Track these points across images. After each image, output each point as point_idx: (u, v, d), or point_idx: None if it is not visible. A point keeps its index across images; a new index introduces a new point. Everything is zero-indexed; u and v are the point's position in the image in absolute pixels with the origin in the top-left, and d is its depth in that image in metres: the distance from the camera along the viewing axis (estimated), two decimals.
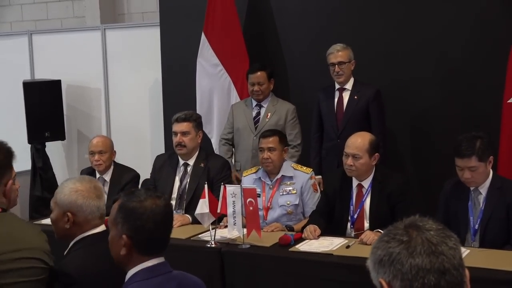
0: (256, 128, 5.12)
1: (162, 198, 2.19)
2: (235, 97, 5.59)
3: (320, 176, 4.74)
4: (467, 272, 1.42)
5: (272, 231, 4.05)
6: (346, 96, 4.88)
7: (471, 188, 3.67)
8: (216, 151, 5.41)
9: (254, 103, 5.22)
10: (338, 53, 4.80)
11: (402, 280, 1.37)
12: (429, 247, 1.37)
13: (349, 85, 4.88)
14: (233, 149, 5.28)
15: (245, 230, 3.74)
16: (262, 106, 5.19)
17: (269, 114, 5.13)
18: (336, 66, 4.79)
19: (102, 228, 2.61)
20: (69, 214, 2.54)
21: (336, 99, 4.90)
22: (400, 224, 1.45)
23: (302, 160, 4.71)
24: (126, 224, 2.13)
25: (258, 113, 5.19)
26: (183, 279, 2.21)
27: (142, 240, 2.11)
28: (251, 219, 3.71)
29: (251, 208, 3.70)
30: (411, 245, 1.38)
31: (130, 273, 2.13)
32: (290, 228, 4.17)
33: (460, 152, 3.54)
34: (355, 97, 4.83)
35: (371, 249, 1.47)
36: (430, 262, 1.36)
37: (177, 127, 4.56)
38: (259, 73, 5.12)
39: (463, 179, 3.61)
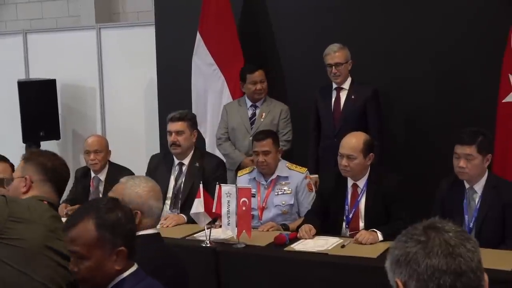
0: (252, 128, 5.12)
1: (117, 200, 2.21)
2: (227, 97, 5.57)
3: (316, 175, 4.75)
4: (485, 276, 1.40)
5: (268, 230, 4.05)
6: (343, 95, 4.88)
7: (466, 187, 3.68)
8: (210, 151, 5.39)
9: (249, 103, 5.21)
10: (335, 54, 4.79)
11: (418, 280, 1.35)
12: (447, 248, 1.35)
13: (346, 85, 4.88)
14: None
15: (237, 229, 3.73)
16: (257, 107, 5.18)
17: (263, 114, 5.13)
18: (333, 67, 4.79)
19: (155, 230, 2.68)
20: (139, 212, 2.57)
21: (333, 99, 4.91)
22: (419, 225, 1.43)
23: (299, 160, 4.70)
24: (117, 237, 2.06)
25: (254, 114, 5.18)
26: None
27: (132, 246, 2.10)
28: (243, 219, 3.70)
29: (243, 208, 3.69)
30: (428, 245, 1.37)
31: (117, 279, 2.07)
32: (285, 227, 4.16)
33: (461, 139, 3.61)
34: (353, 97, 4.84)
35: (389, 249, 1.46)
36: (447, 263, 1.34)
37: (172, 126, 4.56)
38: (258, 71, 5.12)
39: (457, 170, 3.63)
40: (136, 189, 2.65)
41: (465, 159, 3.58)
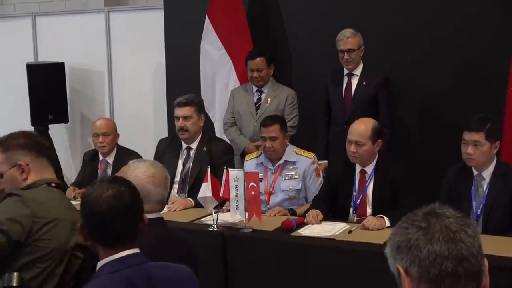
0: (257, 114, 5.11)
1: (114, 189, 2.01)
2: (234, 81, 5.56)
3: (326, 162, 4.73)
4: (486, 261, 1.40)
5: (275, 215, 4.05)
6: (354, 82, 4.86)
7: (475, 174, 3.68)
8: (218, 135, 5.40)
9: (255, 88, 5.20)
10: (347, 40, 4.75)
11: (420, 266, 1.35)
12: (448, 234, 1.35)
13: (358, 71, 4.85)
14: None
15: (247, 214, 3.75)
16: (263, 92, 5.17)
17: (269, 99, 5.12)
18: (346, 53, 4.76)
19: (157, 214, 2.60)
20: None
21: (344, 85, 4.88)
22: (419, 211, 1.43)
23: (308, 146, 4.70)
24: (81, 212, 2.05)
25: (259, 99, 5.17)
26: (158, 271, 2.06)
27: (92, 230, 2.02)
28: (253, 203, 3.71)
29: (252, 192, 3.70)
30: (430, 231, 1.36)
31: (99, 264, 2.02)
32: (293, 212, 4.17)
33: (470, 126, 3.61)
34: (364, 83, 4.81)
35: (390, 235, 1.46)
36: (448, 249, 1.34)
37: (179, 111, 4.56)
38: (258, 59, 5.09)
39: (465, 156, 3.63)
40: (135, 173, 2.61)
41: (473, 146, 3.57)
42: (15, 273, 2.25)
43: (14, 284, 2.24)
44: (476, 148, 3.57)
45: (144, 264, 2.03)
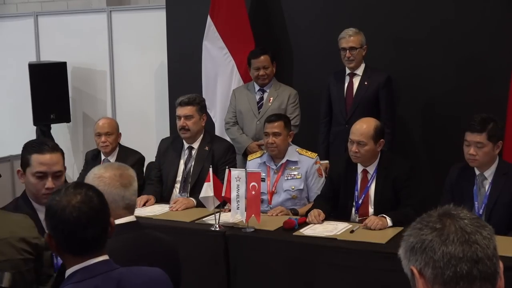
0: (259, 113, 5.11)
1: (82, 194, 1.95)
2: (237, 81, 5.56)
3: (327, 161, 4.73)
4: (501, 263, 1.38)
5: (277, 215, 4.05)
6: (356, 81, 4.85)
7: (477, 173, 3.67)
8: (219, 135, 5.39)
9: (257, 87, 5.19)
10: (350, 38, 4.75)
11: (434, 267, 1.34)
12: (463, 236, 1.34)
13: (359, 71, 4.85)
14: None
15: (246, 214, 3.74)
16: (265, 91, 5.16)
17: (271, 98, 5.11)
18: (347, 51, 4.76)
19: (129, 219, 2.46)
20: None
21: (346, 84, 4.88)
22: (434, 212, 1.42)
23: (309, 145, 4.70)
24: (47, 221, 1.98)
25: (261, 98, 5.17)
26: (128, 277, 2.00)
27: (61, 239, 1.94)
28: (252, 203, 3.70)
29: (253, 192, 3.69)
30: (444, 232, 1.35)
31: (67, 273, 1.96)
32: (295, 211, 4.17)
33: (472, 127, 3.59)
34: (366, 83, 4.81)
35: (403, 236, 1.44)
36: (463, 250, 1.32)
37: (181, 111, 4.56)
38: (262, 57, 5.09)
39: (468, 157, 3.62)
40: (96, 182, 2.42)
41: (476, 147, 3.57)
42: (7, 273, 2.21)
43: (5, 285, 2.19)
44: (479, 149, 3.57)
45: (113, 271, 1.98)
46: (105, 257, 1.98)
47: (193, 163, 4.57)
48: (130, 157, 4.89)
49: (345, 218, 3.96)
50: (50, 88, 6.68)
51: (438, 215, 1.40)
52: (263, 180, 4.12)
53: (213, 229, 3.79)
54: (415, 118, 5.23)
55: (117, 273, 1.98)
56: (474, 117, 3.65)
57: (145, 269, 2.08)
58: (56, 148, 2.90)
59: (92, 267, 1.94)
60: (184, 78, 6.02)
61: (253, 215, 3.68)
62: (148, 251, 2.46)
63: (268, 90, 5.16)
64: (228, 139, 5.12)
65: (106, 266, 1.97)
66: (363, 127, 3.90)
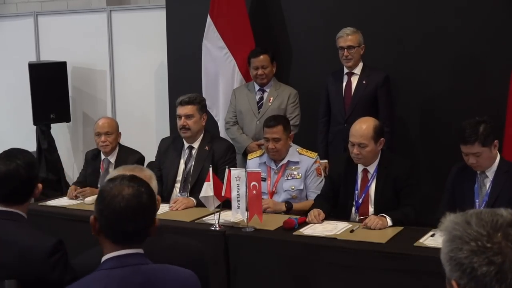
0: (259, 113, 5.11)
1: (135, 188, 1.99)
2: (239, 80, 5.56)
3: (326, 161, 4.74)
4: None
5: (265, 210, 3.96)
6: (354, 80, 4.85)
7: (478, 172, 3.66)
8: (222, 134, 5.40)
9: (257, 87, 5.19)
10: (347, 37, 4.76)
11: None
12: None
13: (357, 70, 4.85)
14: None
15: (248, 213, 3.73)
16: (265, 91, 5.17)
17: (271, 98, 5.11)
18: (345, 50, 4.76)
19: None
20: None
21: (344, 83, 4.88)
22: (481, 223, 1.29)
23: (309, 145, 4.70)
24: (95, 205, 2.03)
25: (261, 98, 5.17)
26: (156, 274, 2.00)
27: (104, 224, 1.99)
28: (254, 203, 3.69)
29: (254, 192, 3.69)
30: (504, 270, 1.20)
31: (103, 258, 2.00)
32: (289, 205, 4.17)
33: (464, 139, 3.54)
34: (364, 82, 4.81)
35: (444, 242, 1.32)
36: None
37: (181, 110, 4.56)
38: (262, 56, 5.09)
39: (469, 164, 3.61)
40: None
41: (474, 156, 3.55)
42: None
43: None
44: (477, 157, 3.55)
45: (144, 265, 2.00)
46: (139, 251, 2.01)
47: (193, 163, 4.57)
48: (130, 157, 4.88)
49: (345, 217, 3.96)
50: (50, 87, 6.69)
51: (488, 234, 1.26)
52: (263, 180, 4.11)
53: (213, 228, 3.79)
54: (414, 118, 5.23)
55: (148, 267, 2.00)
56: (462, 127, 3.56)
57: (177, 269, 2.09)
58: None
59: (124, 257, 1.98)
60: (184, 78, 6.02)
61: (255, 214, 3.68)
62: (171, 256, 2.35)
63: (268, 90, 5.16)
64: (228, 138, 5.13)
65: (138, 259, 2.00)
66: (363, 128, 3.89)
